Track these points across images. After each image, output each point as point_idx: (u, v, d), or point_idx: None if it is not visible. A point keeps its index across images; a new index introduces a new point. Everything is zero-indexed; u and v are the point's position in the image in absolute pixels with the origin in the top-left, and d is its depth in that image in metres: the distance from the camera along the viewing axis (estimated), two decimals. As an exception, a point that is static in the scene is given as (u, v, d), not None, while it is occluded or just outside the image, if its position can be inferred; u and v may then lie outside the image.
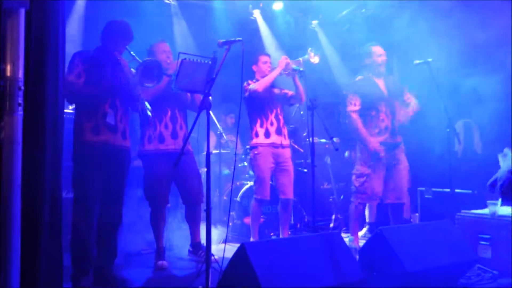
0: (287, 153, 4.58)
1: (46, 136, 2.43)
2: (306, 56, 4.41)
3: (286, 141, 4.60)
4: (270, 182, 4.57)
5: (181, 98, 4.10)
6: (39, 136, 2.39)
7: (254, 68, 4.67)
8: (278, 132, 4.51)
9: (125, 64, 3.52)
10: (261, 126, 4.50)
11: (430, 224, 3.57)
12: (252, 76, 4.65)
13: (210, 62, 3.06)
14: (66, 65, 2.92)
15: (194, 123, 3.13)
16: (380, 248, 3.15)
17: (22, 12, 2.12)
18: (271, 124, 4.50)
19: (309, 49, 4.42)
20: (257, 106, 4.53)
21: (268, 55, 4.73)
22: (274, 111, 4.54)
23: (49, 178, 2.44)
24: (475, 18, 4.89)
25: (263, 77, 4.51)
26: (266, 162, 4.44)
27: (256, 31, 6.82)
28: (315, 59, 4.42)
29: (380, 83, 4.58)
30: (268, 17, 6.88)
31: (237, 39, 3.18)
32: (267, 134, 4.48)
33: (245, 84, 4.49)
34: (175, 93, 3.90)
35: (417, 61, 4.35)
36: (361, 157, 4.55)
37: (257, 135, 4.50)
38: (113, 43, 3.46)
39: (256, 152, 4.48)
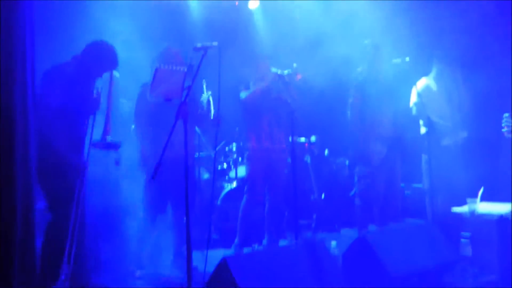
0: (280, 156, 4.60)
1: (16, 148, 2.43)
2: (290, 70, 4.30)
3: (279, 145, 4.59)
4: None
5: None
6: (9, 147, 2.40)
7: (249, 72, 4.60)
8: (270, 136, 4.53)
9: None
10: (254, 130, 4.54)
11: (412, 226, 3.59)
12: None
13: (185, 70, 2.97)
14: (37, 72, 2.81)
15: (171, 133, 3.04)
16: (363, 252, 3.15)
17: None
18: (263, 129, 4.52)
19: (294, 64, 4.35)
20: (249, 111, 4.54)
21: (264, 60, 4.59)
22: (267, 116, 4.53)
23: (21, 189, 2.44)
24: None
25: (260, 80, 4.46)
26: (258, 164, 4.49)
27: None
28: (297, 77, 4.35)
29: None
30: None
31: (213, 43, 3.07)
32: (259, 139, 4.51)
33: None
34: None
35: (395, 60, 4.35)
36: (363, 156, 4.43)
37: (250, 139, 4.56)
38: (97, 70, 3.27)
39: (248, 153, 4.57)
